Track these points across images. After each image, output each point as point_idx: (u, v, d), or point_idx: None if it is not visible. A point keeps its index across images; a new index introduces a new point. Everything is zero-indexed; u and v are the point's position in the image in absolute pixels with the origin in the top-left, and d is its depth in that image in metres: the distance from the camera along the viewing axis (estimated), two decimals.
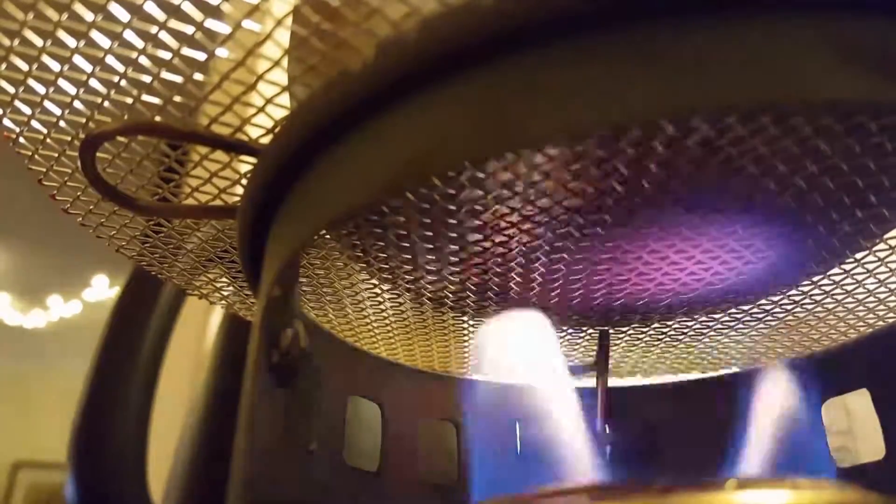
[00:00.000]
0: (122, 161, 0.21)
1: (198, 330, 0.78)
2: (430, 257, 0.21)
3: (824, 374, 0.24)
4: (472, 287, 0.23)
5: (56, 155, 0.21)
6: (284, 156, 0.15)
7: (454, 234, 0.19)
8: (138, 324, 0.47)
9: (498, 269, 0.22)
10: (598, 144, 0.16)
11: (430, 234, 0.19)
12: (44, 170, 0.21)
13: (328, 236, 0.21)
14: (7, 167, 0.22)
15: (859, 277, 0.23)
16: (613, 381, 0.27)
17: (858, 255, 0.22)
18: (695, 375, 0.30)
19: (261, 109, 0.18)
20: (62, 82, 0.18)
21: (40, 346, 2.46)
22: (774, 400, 0.25)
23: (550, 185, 0.17)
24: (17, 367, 2.57)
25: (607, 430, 0.26)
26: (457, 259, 0.21)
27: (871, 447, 0.26)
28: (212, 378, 0.58)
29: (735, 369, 0.29)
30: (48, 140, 0.21)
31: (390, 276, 0.24)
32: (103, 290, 2.16)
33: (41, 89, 0.19)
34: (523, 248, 0.20)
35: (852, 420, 0.39)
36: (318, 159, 0.14)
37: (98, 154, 0.20)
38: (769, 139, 0.16)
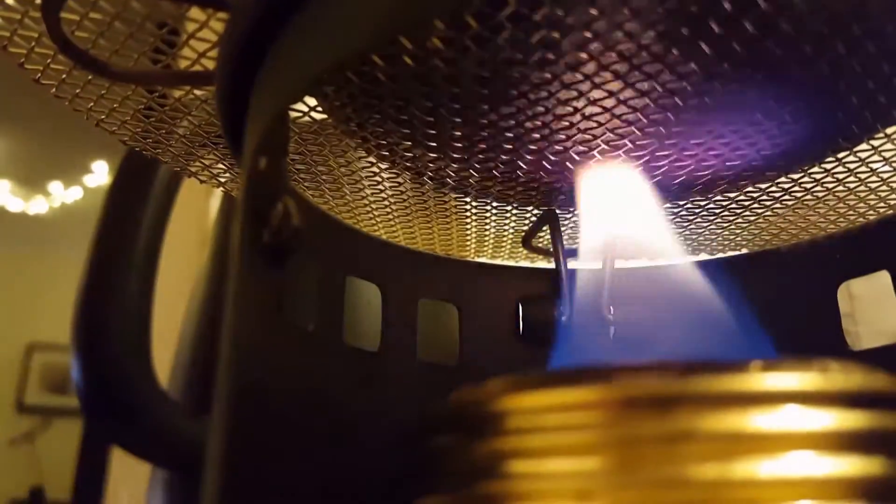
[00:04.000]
0: (91, 23, 0.19)
1: (199, 208, 0.77)
2: (430, 131, 0.19)
3: (842, 255, 0.23)
4: (476, 166, 0.22)
5: (19, 17, 0.19)
6: (260, 8, 0.13)
7: (457, 106, 0.18)
8: (136, 202, 0.46)
9: (506, 146, 0.20)
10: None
11: (431, 103, 0.17)
12: (8, 34, 0.20)
13: (319, 109, 0.20)
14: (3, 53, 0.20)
15: (887, 154, 0.22)
16: (618, 263, 0.27)
17: (889, 131, 0.21)
18: (703, 257, 0.29)
19: None
20: None
21: (44, 231, 2.48)
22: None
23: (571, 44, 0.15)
24: (24, 253, 2.60)
25: (612, 311, 0.25)
26: (460, 134, 0.19)
27: (872, 332, 0.26)
28: (214, 257, 0.58)
29: (745, 251, 0.28)
30: (9, 1, 0.19)
31: (388, 154, 0.22)
32: (103, 175, 2.15)
33: None
34: (536, 123, 0.19)
35: (855, 304, 0.39)
36: (299, 10, 0.13)
37: (64, 15, 0.19)
38: None
